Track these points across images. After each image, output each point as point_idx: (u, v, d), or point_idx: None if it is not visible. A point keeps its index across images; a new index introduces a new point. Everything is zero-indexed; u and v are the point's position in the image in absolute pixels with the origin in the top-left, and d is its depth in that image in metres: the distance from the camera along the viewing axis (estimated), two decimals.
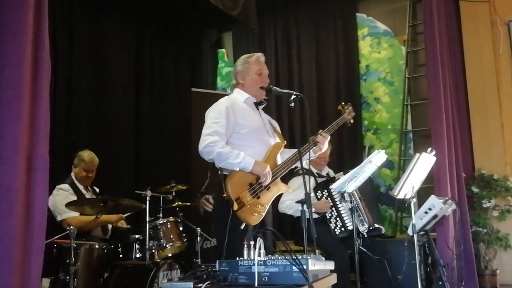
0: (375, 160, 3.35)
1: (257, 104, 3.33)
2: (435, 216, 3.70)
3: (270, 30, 7.15)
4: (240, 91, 3.30)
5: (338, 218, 4.27)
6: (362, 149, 6.37)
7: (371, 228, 4.22)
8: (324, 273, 2.36)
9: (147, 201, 4.10)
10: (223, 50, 7.69)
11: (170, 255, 4.26)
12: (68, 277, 3.46)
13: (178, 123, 6.91)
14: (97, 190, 4.65)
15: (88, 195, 4.42)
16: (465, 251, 4.59)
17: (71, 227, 3.44)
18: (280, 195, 3.46)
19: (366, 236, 4.19)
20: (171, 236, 4.27)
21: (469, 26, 5.72)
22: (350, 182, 3.49)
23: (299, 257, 2.05)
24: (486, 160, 5.47)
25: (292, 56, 6.94)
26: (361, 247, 3.84)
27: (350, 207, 3.88)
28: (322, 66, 6.74)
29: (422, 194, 4.54)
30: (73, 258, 3.44)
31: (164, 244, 4.18)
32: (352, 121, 3.70)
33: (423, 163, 3.65)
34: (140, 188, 4.27)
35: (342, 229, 4.23)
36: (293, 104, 3.05)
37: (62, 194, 4.22)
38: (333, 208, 4.29)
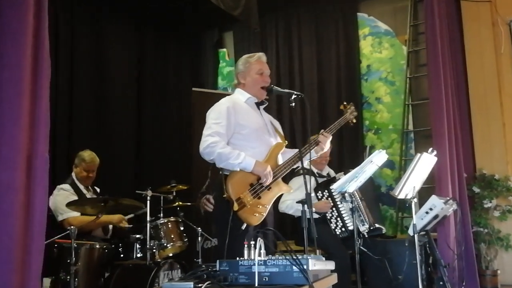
0: (376, 160, 3.35)
1: (258, 104, 3.32)
2: (436, 216, 3.70)
3: (271, 30, 7.14)
4: (241, 91, 3.30)
5: (338, 218, 4.27)
6: (363, 149, 6.37)
7: (371, 228, 4.22)
8: (325, 273, 2.35)
9: (148, 201, 4.10)
10: (224, 49, 7.69)
11: (170, 255, 4.26)
12: (68, 277, 3.46)
13: (179, 123, 6.92)
14: (98, 190, 4.65)
15: (88, 195, 4.42)
16: (466, 251, 4.58)
17: (72, 227, 3.45)
18: (281, 195, 3.45)
19: (366, 236, 4.19)
20: (172, 236, 4.27)
21: (471, 26, 5.71)
22: (351, 182, 3.48)
23: (299, 257, 2.05)
24: (487, 160, 5.46)
25: (293, 56, 6.93)
26: (361, 247, 3.83)
27: (351, 207, 3.88)
28: (323, 66, 6.74)
29: (423, 194, 4.54)
30: (74, 258, 3.44)
31: (165, 244, 4.18)
32: (354, 120, 3.69)
33: (424, 163, 3.64)
34: (141, 188, 4.28)
35: (343, 229, 4.23)
36: (293, 104, 3.04)
37: (63, 194, 4.22)
38: (334, 208, 4.29)
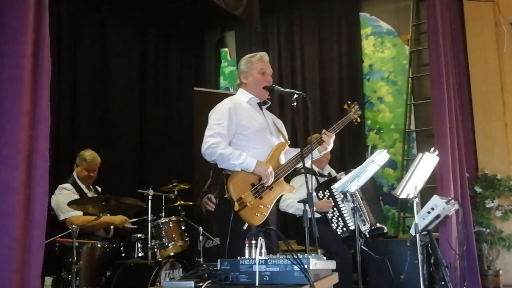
0: (377, 160, 3.34)
1: (261, 104, 3.32)
2: (437, 216, 3.68)
3: (273, 29, 7.14)
4: (243, 91, 3.30)
5: (339, 218, 4.27)
6: (365, 148, 6.37)
7: (372, 228, 4.22)
8: (326, 273, 2.35)
9: (149, 200, 4.10)
10: (226, 49, 7.69)
11: (172, 254, 4.26)
12: (70, 276, 3.47)
13: (181, 122, 6.92)
14: (99, 189, 4.65)
15: (90, 194, 4.42)
16: (468, 251, 4.57)
17: (73, 226, 3.45)
18: (283, 195, 3.45)
19: (368, 236, 4.18)
20: (173, 235, 4.27)
21: (473, 26, 5.70)
22: (352, 181, 3.48)
23: (300, 257, 2.05)
24: (489, 160, 5.45)
25: (295, 55, 6.93)
26: (363, 247, 3.83)
27: (352, 207, 3.88)
28: (325, 65, 6.73)
29: (425, 194, 4.53)
30: (75, 257, 3.45)
31: (166, 243, 4.18)
32: (359, 120, 3.68)
33: (426, 163, 3.63)
34: (143, 187, 4.28)
35: (344, 229, 4.22)
36: (295, 103, 3.04)
37: (65, 194, 4.23)
38: (335, 208, 4.28)
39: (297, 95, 3.02)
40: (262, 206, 2.96)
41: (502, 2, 5.59)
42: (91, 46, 5.88)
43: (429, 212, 3.65)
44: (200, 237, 4.73)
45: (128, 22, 6.48)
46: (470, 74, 5.64)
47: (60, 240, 3.62)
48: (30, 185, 1.85)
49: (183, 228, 4.41)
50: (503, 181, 5.23)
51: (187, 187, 5.00)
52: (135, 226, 4.47)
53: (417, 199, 3.60)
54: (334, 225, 4.27)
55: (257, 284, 2.01)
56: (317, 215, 4.18)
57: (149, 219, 4.04)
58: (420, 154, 3.63)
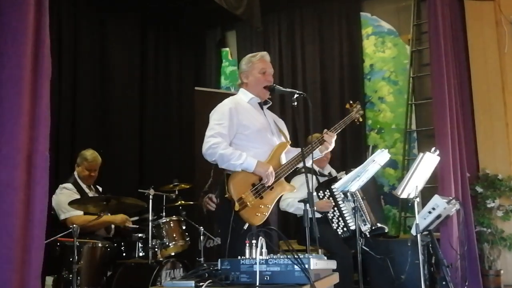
0: (378, 159, 3.34)
1: (262, 104, 3.32)
2: (438, 216, 3.68)
3: (274, 29, 7.14)
4: (244, 91, 3.30)
5: (340, 218, 4.26)
6: (366, 148, 6.36)
7: (373, 227, 4.21)
8: (326, 273, 2.35)
9: (150, 200, 4.10)
10: (227, 49, 7.68)
11: (173, 254, 4.26)
12: (71, 275, 3.48)
13: (182, 122, 6.92)
14: (100, 189, 4.66)
15: (91, 194, 4.43)
16: (469, 251, 4.57)
17: (74, 225, 3.46)
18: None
19: (368, 236, 4.18)
20: (174, 235, 4.27)
21: (474, 25, 5.69)
22: (353, 181, 3.48)
23: (301, 256, 2.04)
24: (490, 159, 5.45)
25: (296, 55, 6.93)
26: (364, 247, 3.82)
27: (353, 206, 3.87)
28: (326, 65, 6.73)
29: (426, 194, 4.53)
30: (76, 257, 3.45)
31: (167, 243, 4.19)
32: (361, 119, 3.68)
33: (427, 163, 3.63)
34: (143, 187, 4.28)
35: (345, 229, 4.22)
36: (296, 103, 3.03)
37: (66, 193, 4.23)
38: (335, 208, 4.28)
39: (298, 95, 3.01)
40: (262, 206, 2.96)
41: (503, 1, 5.59)
42: (91, 46, 5.88)
43: (430, 212, 3.64)
44: (201, 236, 4.73)
45: (129, 22, 6.48)
46: (471, 74, 5.63)
47: (61, 239, 3.62)
48: (30, 185, 1.85)
49: (184, 227, 4.41)
50: (504, 181, 5.23)
51: (188, 186, 5.00)
52: (136, 226, 4.47)
53: (418, 199, 3.61)
54: (334, 225, 4.26)
55: (257, 283, 2.01)
56: (317, 215, 4.17)
57: (150, 218, 4.04)
58: (421, 154, 3.63)
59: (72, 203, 3.81)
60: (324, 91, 6.66)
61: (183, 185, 4.91)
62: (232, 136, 3.10)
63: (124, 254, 4.14)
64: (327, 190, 4.34)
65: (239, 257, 2.13)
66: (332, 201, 4.27)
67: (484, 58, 5.59)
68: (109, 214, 4.16)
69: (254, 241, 2.12)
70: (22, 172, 1.82)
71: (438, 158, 3.75)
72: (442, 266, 3.68)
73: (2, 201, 1.76)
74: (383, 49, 6.54)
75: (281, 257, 2.07)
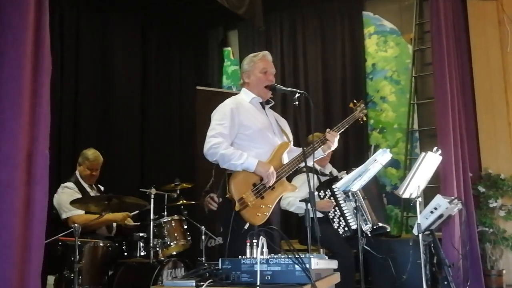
0: (380, 159, 3.33)
1: (264, 103, 3.32)
2: (440, 216, 3.68)
3: (276, 28, 7.13)
4: (246, 90, 3.31)
5: (341, 218, 4.25)
6: (368, 148, 6.34)
7: (374, 227, 4.20)
8: (327, 272, 2.35)
9: (152, 199, 4.10)
10: (229, 48, 7.68)
11: (174, 253, 4.26)
12: (72, 275, 3.49)
13: (183, 121, 6.92)
14: (102, 188, 4.66)
15: (92, 193, 4.44)
16: (471, 251, 4.56)
17: (76, 225, 3.46)
18: None
19: (370, 235, 4.17)
20: (176, 235, 4.27)
21: (477, 25, 5.67)
22: (354, 181, 3.47)
23: (302, 256, 2.04)
24: (493, 159, 5.43)
25: (298, 54, 6.92)
26: (365, 246, 3.82)
27: (354, 206, 3.86)
28: (328, 64, 6.72)
29: (428, 194, 4.53)
30: (78, 256, 3.47)
31: (169, 242, 4.18)
32: (364, 118, 3.67)
33: (429, 162, 3.62)
34: (145, 186, 4.28)
35: (346, 228, 4.21)
36: (297, 102, 3.03)
37: (67, 192, 4.24)
38: (336, 208, 4.27)
39: (299, 94, 3.01)
40: (263, 206, 2.96)
41: (505, 1, 5.57)
42: (93, 46, 5.88)
43: (432, 212, 3.64)
44: (202, 236, 4.74)
45: (130, 22, 6.48)
46: (473, 73, 5.62)
47: (62, 238, 3.63)
48: (30, 184, 1.85)
49: (185, 227, 4.41)
50: (506, 180, 5.21)
51: (190, 186, 5.00)
52: (138, 223, 4.48)
53: (420, 199, 3.60)
54: (335, 225, 4.25)
55: (258, 283, 2.01)
56: (319, 215, 4.17)
57: (152, 218, 4.04)
58: (423, 154, 3.62)
59: (73, 202, 3.81)
60: (326, 91, 6.65)
61: (184, 185, 4.90)
62: (233, 136, 3.10)
63: (125, 254, 4.14)
64: (328, 190, 4.33)
65: (240, 256, 2.13)
66: (333, 200, 4.26)
67: (487, 57, 5.58)
68: (110, 213, 4.16)
69: (255, 241, 2.12)
70: (22, 171, 1.83)
71: (440, 158, 3.74)
72: (444, 266, 3.67)
73: (2, 200, 1.76)
74: (385, 49, 6.52)
75: (282, 256, 2.07)
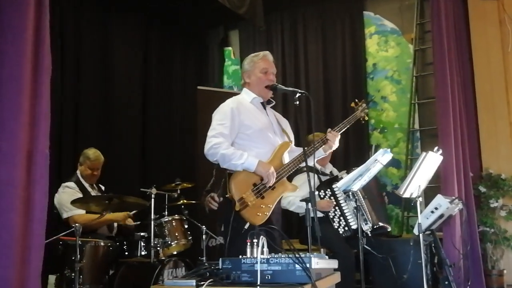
0: (380, 159, 3.33)
1: (264, 103, 3.32)
2: (441, 216, 3.67)
3: (276, 28, 7.13)
4: (247, 90, 3.31)
5: (341, 218, 4.25)
6: (369, 148, 6.34)
7: (374, 227, 4.20)
8: (328, 272, 2.35)
9: (152, 199, 4.11)
10: (230, 48, 7.68)
11: (175, 253, 4.27)
12: (73, 274, 3.50)
13: (184, 121, 6.92)
14: (103, 188, 4.67)
15: (93, 193, 4.44)
16: (472, 251, 4.56)
17: (77, 224, 3.46)
18: None
19: (370, 235, 4.17)
20: (176, 234, 4.28)
21: (477, 24, 5.67)
22: (355, 180, 3.47)
23: (302, 256, 2.04)
24: (494, 159, 5.43)
25: (299, 54, 6.92)
26: (366, 246, 3.81)
27: (354, 206, 3.86)
28: (329, 64, 6.72)
29: (429, 194, 4.52)
30: (79, 255, 3.47)
31: (169, 242, 4.19)
32: (366, 118, 3.66)
33: (430, 162, 3.62)
34: (146, 186, 4.28)
35: (346, 228, 4.21)
36: (298, 102, 3.03)
37: (68, 192, 4.24)
38: (336, 208, 4.27)
39: (300, 94, 3.01)
40: (264, 206, 2.96)
41: (506, 0, 5.56)
42: (93, 46, 5.88)
43: (432, 212, 3.64)
44: (203, 236, 4.73)
45: (131, 21, 6.48)
46: (474, 73, 5.61)
47: (63, 238, 3.63)
48: (30, 183, 1.85)
49: (186, 226, 4.42)
50: (507, 180, 5.21)
51: (190, 185, 5.00)
52: (138, 222, 4.48)
53: (420, 199, 3.60)
54: (336, 225, 4.25)
55: (258, 283, 2.01)
56: (319, 214, 4.16)
57: (152, 217, 4.04)
58: (424, 153, 3.62)
59: (74, 202, 3.82)
60: (326, 90, 6.65)
61: (185, 184, 4.91)
62: (234, 136, 3.10)
63: (126, 253, 4.15)
64: (328, 190, 4.32)
65: (240, 256, 2.13)
66: (333, 200, 4.26)
67: (488, 57, 5.57)
68: (111, 213, 4.17)
69: (255, 240, 2.13)
70: (22, 171, 1.83)
71: (441, 158, 3.74)
72: (445, 266, 3.67)
73: (2, 200, 1.76)
74: (386, 48, 6.52)
75: (283, 256, 2.07)
